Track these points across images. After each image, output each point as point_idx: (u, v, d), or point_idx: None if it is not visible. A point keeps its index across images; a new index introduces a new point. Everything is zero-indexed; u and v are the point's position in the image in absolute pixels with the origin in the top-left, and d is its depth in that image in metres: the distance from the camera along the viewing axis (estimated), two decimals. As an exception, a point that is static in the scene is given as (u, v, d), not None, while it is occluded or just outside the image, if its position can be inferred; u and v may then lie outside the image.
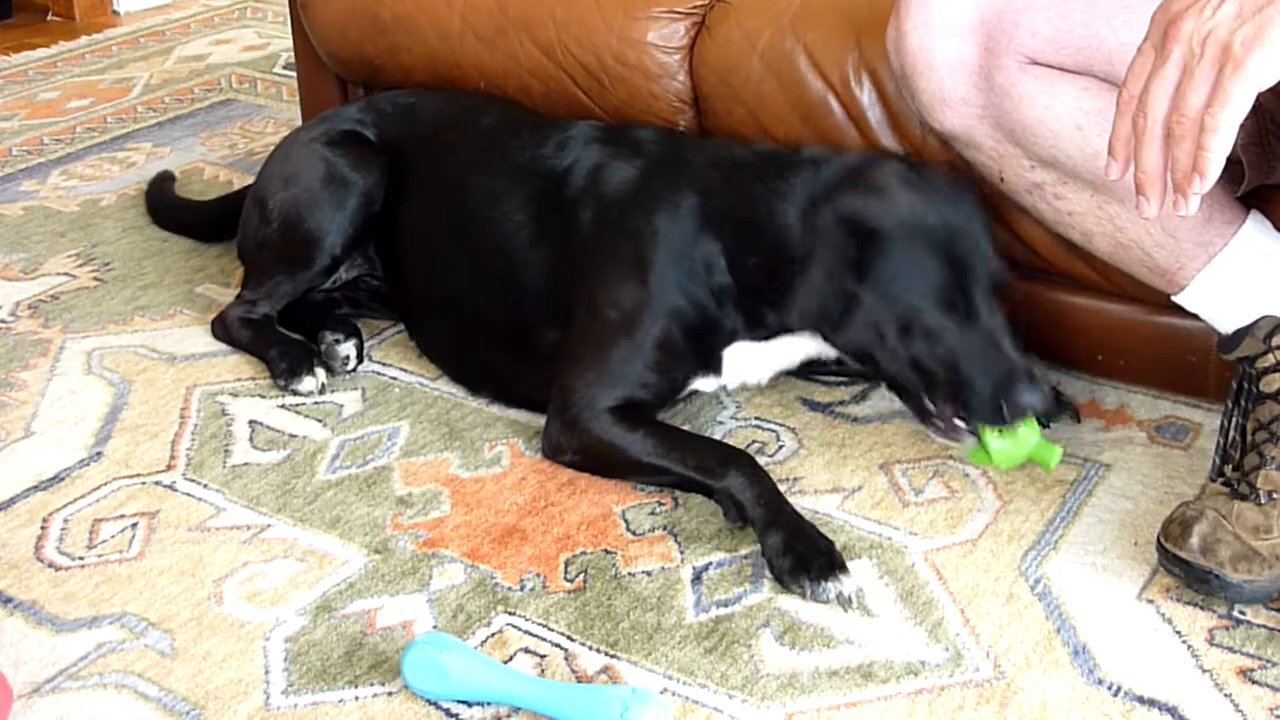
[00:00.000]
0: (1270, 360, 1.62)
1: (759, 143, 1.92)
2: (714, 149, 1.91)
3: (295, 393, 2.00)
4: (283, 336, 2.09)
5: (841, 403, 1.96)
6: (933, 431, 1.71)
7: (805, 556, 1.60)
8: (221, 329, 2.14)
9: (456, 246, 2.02)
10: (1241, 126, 1.21)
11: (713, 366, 1.86)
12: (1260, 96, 1.20)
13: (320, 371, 2.01)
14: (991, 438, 1.65)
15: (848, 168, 1.74)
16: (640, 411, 1.82)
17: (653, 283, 1.80)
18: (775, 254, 1.74)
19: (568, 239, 1.89)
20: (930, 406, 1.68)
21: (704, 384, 1.89)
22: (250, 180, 2.30)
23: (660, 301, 1.80)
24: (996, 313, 1.66)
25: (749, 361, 1.87)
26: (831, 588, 1.58)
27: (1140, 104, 1.25)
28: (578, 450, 1.81)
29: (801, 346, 1.85)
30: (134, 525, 1.74)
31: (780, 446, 1.88)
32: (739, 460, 1.72)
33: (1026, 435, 1.65)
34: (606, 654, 1.52)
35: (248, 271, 2.17)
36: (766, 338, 1.83)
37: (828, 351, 1.83)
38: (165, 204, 2.56)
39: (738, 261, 1.78)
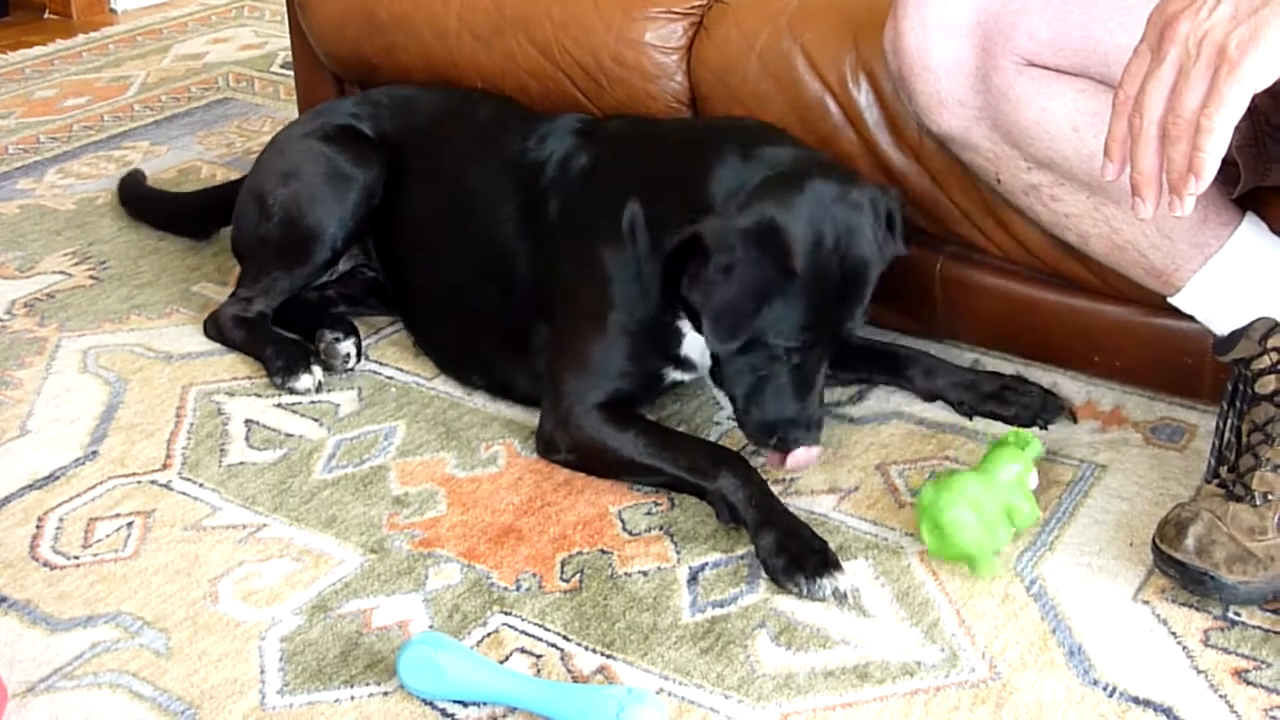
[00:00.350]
0: (1265, 362, 1.62)
1: (697, 119, 1.94)
2: (670, 125, 1.92)
3: (292, 391, 2.00)
4: (277, 335, 2.09)
5: (838, 403, 1.96)
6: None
7: (799, 555, 1.60)
8: (214, 328, 2.13)
9: (450, 238, 2.03)
10: (1237, 129, 1.21)
11: (675, 359, 1.84)
12: (1256, 98, 1.20)
13: (317, 370, 2.01)
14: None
15: (786, 172, 1.69)
16: (630, 408, 1.82)
17: (605, 268, 1.80)
18: (679, 213, 1.70)
19: (540, 231, 1.90)
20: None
21: (681, 375, 1.88)
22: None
23: (613, 292, 1.80)
24: (825, 357, 1.72)
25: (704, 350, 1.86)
26: (827, 584, 1.58)
27: (1136, 105, 1.25)
28: (571, 449, 1.82)
29: None
30: (129, 524, 1.74)
31: (776, 447, 1.88)
32: (731, 461, 1.72)
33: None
34: (602, 654, 1.52)
35: (244, 268, 2.17)
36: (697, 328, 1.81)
37: None
38: (142, 199, 2.56)
39: (651, 222, 1.76)
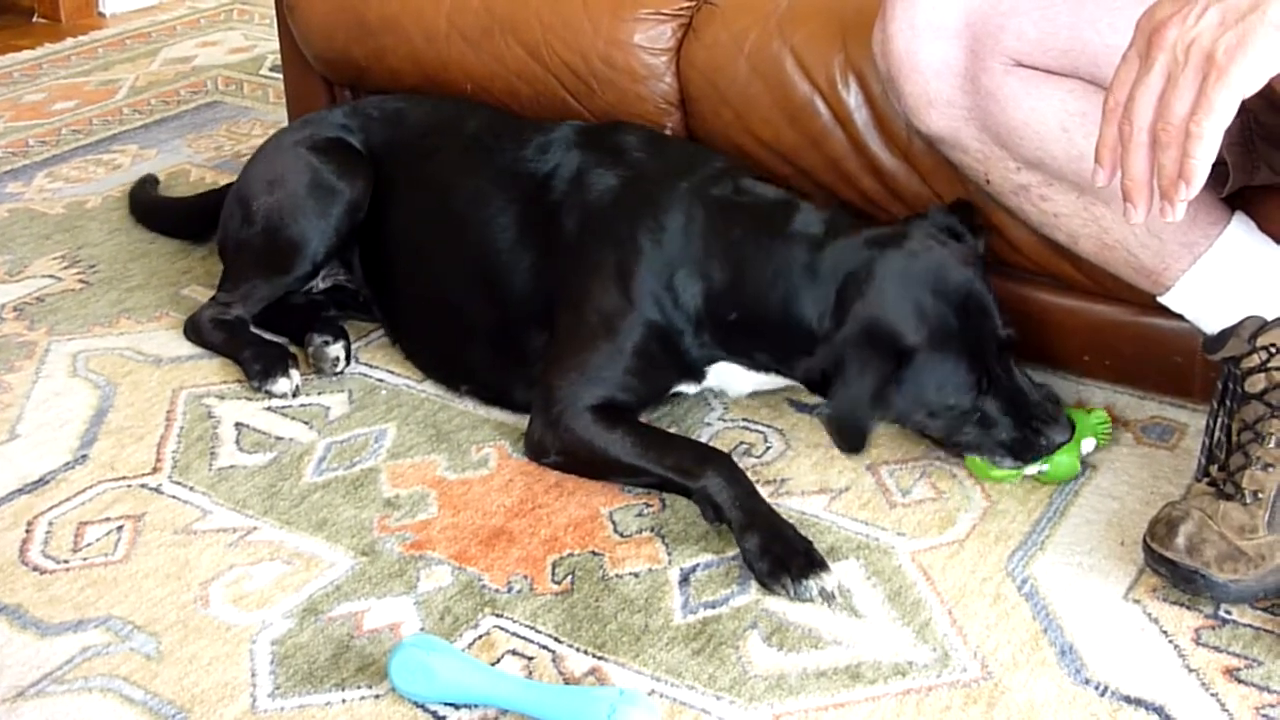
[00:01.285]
0: (1255, 360, 1.63)
1: (744, 175, 1.88)
2: (701, 177, 1.87)
3: (270, 394, 2.00)
4: (256, 338, 2.08)
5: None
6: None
7: (783, 557, 1.60)
8: (194, 331, 2.13)
9: (441, 250, 2.02)
10: (1226, 130, 1.21)
11: (695, 375, 1.87)
12: (1245, 100, 1.20)
13: (295, 373, 2.01)
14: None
15: (855, 268, 1.71)
16: (621, 411, 1.82)
17: (634, 294, 1.81)
18: (771, 318, 1.75)
19: (551, 243, 1.89)
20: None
21: (687, 388, 1.89)
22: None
23: (640, 314, 1.81)
24: (1012, 370, 1.73)
25: (731, 375, 1.88)
26: (813, 585, 1.58)
27: (1125, 112, 1.25)
28: (560, 450, 1.81)
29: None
30: (119, 528, 1.73)
31: (768, 447, 1.88)
32: (716, 461, 1.72)
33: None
34: (594, 655, 1.52)
35: (225, 273, 2.17)
36: (753, 368, 1.84)
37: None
38: (150, 207, 2.56)
39: (718, 310, 1.79)
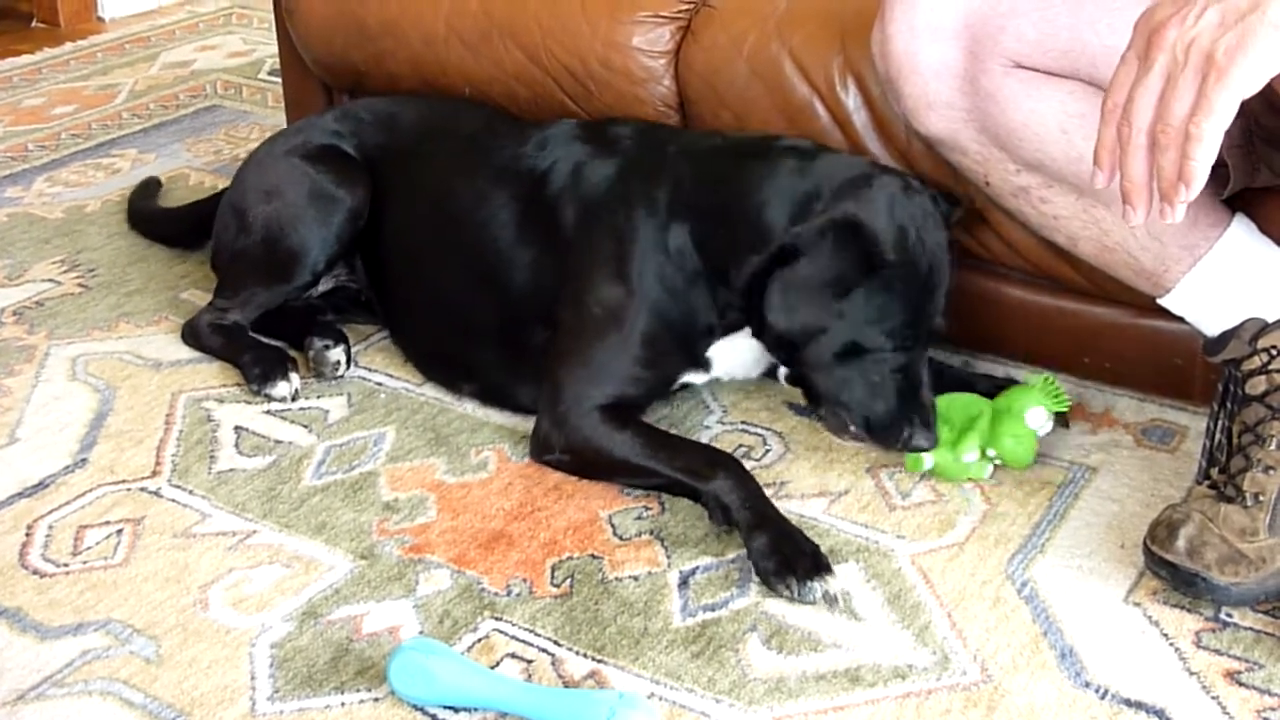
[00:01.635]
0: (1256, 363, 1.62)
1: (736, 131, 1.93)
2: (689, 138, 1.92)
3: (269, 397, 2.00)
4: (255, 341, 2.08)
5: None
6: (821, 423, 1.83)
7: (790, 558, 1.60)
8: (192, 335, 2.13)
9: (441, 249, 2.02)
10: (1226, 132, 1.21)
11: (700, 363, 1.87)
12: (1246, 101, 1.20)
13: (294, 377, 2.01)
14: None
15: (852, 175, 1.73)
16: (629, 411, 1.82)
17: (634, 279, 1.81)
18: (748, 235, 1.73)
19: (551, 238, 1.89)
20: (835, 411, 1.75)
21: (695, 377, 1.89)
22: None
23: (643, 298, 1.81)
24: (925, 352, 1.75)
25: (737, 356, 1.88)
26: (818, 587, 1.58)
27: (1125, 113, 1.25)
28: (565, 449, 1.81)
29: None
30: (119, 531, 1.73)
31: (767, 450, 1.88)
32: (725, 463, 1.72)
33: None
34: (593, 659, 1.51)
35: (222, 280, 2.16)
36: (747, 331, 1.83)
37: None
38: (146, 215, 2.56)
39: (706, 245, 1.79)
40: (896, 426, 1.70)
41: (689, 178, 1.83)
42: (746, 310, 1.74)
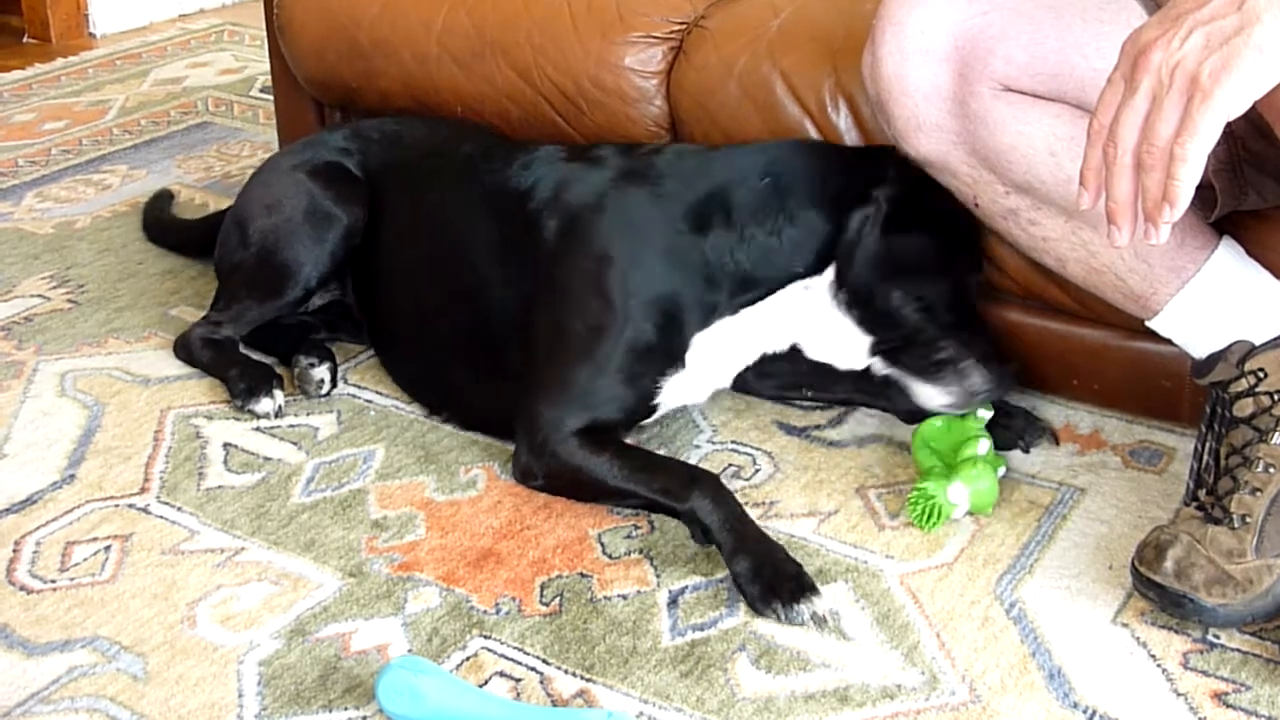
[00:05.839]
0: (1243, 385, 1.63)
1: (704, 146, 1.99)
2: (674, 147, 1.96)
3: (252, 414, 1.99)
4: (244, 358, 2.08)
5: (818, 426, 1.96)
6: (921, 397, 1.86)
7: (774, 581, 1.60)
8: (183, 349, 2.13)
9: (427, 269, 2.02)
10: (1213, 153, 1.22)
11: (680, 358, 1.84)
12: (1232, 123, 1.21)
13: (279, 394, 2.01)
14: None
15: (899, 162, 1.80)
16: (608, 433, 1.81)
17: (613, 293, 1.80)
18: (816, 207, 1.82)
19: (532, 249, 1.89)
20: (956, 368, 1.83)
21: (673, 389, 1.87)
22: (230, 202, 2.29)
23: (624, 298, 1.80)
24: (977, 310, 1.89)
25: (716, 352, 1.86)
26: (805, 609, 1.58)
27: (1110, 134, 1.26)
28: (546, 475, 1.81)
29: (769, 331, 1.86)
30: (107, 548, 1.73)
31: (756, 470, 1.88)
32: (704, 482, 1.71)
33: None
34: (582, 677, 1.51)
35: (218, 292, 2.17)
36: (757, 299, 1.82)
37: (782, 344, 1.89)
38: (164, 225, 2.56)
39: (710, 222, 1.82)
40: (954, 376, 1.81)
41: (684, 178, 1.85)
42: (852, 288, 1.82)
